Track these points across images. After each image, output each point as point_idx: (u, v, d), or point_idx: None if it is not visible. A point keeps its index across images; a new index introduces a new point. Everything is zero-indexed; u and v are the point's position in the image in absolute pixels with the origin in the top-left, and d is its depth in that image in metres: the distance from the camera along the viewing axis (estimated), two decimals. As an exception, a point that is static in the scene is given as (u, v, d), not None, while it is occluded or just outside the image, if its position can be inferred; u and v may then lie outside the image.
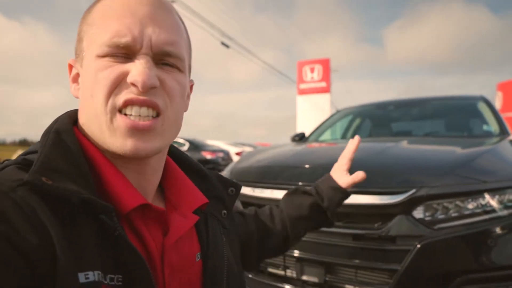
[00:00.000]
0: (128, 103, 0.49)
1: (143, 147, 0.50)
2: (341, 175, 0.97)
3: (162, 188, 0.64)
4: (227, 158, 10.78)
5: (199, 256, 0.61)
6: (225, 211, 0.71)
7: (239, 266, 0.72)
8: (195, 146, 10.53)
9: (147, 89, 0.50)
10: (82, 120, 0.54)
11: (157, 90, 0.51)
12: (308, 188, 0.97)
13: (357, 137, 1.02)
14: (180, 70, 0.56)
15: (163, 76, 0.52)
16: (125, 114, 0.50)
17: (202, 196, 0.64)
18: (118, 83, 0.50)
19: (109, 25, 0.50)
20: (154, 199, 0.60)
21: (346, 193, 0.95)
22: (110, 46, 0.49)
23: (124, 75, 0.50)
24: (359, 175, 0.96)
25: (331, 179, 0.97)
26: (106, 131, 0.50)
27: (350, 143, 1.02)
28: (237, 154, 11.81)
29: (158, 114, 0.52)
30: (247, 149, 12.96)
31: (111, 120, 0.49)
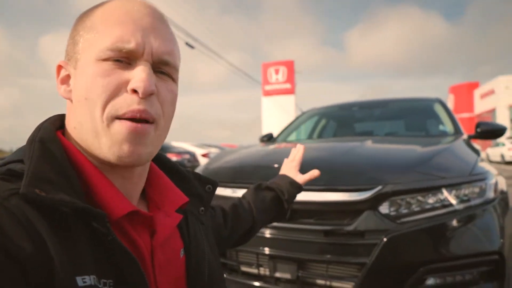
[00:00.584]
0: (127, 115, 0.50)
1: (138, 152, 0.51)
2: (295, 175, 1.12)
3: (143, 188, 0.64)
4: (193, 160, 10.62)
5: (182, 252, 0.63)
6: (202, 208, 0.73)
7: (217, 257, 0.74)
8: (161, 148, 10.25)
9: (147, 95, 0.50)
10: (73, 123, 0.54)
11: (152, 98, 0.52)
12: (269, 183, 1.10)
13: (301, 146, 1.20)
14: (173, 80, 0.57)
15: (159, 84, 0.54)
16: (124, 119, 0.50)
17: (183, 195, 0.65)
18: (118, 92, 0.50)
19: (112, 31, 0.50)
20: (137, 200, 0.61)
21: (301, 188, 1.11)
22: (113, 51, 0.50)
23: (124, 83, 0.50)
24: (315, 172, 1.11)
25: (287, 176, 1.11)
26: (103, 136, 0.50)
27: (297, 149, 1.19)
28: (204, 155, 11.67)
29: (151, 122, 0.53)
30: (213, 150, 12.85)
31: (108, 126, 0.50)
